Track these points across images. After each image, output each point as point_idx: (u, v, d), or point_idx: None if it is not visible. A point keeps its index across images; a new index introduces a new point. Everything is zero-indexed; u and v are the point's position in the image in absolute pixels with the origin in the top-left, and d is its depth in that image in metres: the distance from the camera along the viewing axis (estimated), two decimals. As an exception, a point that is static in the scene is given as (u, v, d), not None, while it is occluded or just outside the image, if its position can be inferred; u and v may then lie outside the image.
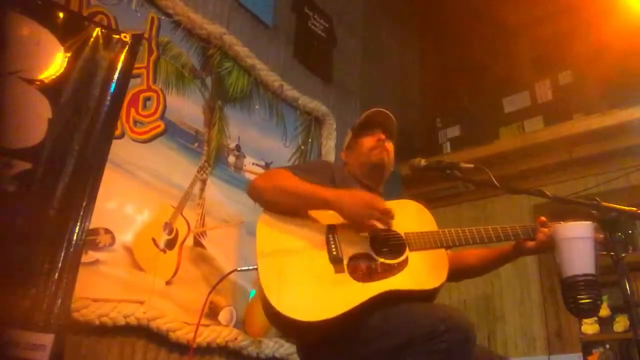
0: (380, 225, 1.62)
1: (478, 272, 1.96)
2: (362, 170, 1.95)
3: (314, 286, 1.54)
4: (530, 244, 1.75)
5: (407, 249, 1.66)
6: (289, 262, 1.58)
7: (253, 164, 3.00)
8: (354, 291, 1.53)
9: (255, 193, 1.71)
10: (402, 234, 1.69)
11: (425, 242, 1.69)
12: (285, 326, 1.55)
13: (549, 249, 1.68)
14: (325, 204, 1.64)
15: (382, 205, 1.63)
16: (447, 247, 1.75)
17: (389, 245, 1.67)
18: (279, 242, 1.61)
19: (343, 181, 1.85)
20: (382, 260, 1.62)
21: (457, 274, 1.90)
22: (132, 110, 2.44)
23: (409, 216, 1.77)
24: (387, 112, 1.97)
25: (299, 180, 1.68)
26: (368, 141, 1.95)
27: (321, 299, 1.51)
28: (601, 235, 1.50)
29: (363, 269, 1.59)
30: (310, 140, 3.42)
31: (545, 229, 1.71)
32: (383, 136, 1.94)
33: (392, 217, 1.64)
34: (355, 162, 1.98)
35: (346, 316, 1.49)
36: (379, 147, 1.93)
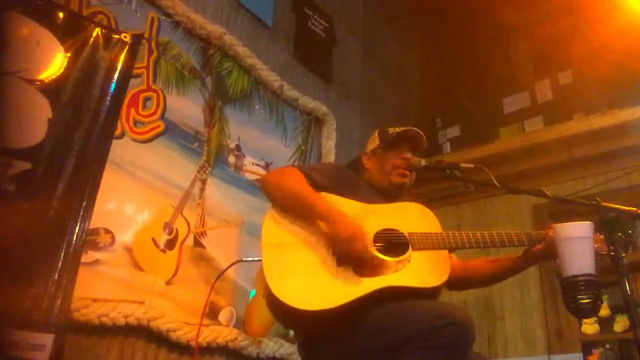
0: (347, 264, 1.60)
1: (487, 281, 1.96)
2: (379, 183, 1.94)
3: (315, 277, 1.56)
4: (539, 247, 1.76)
5: (410, 248, 1.67)
6: (293, 254, 1.60)
7: (253, 164, 3.00)
8: (355, 284, 1.56)
9: (265, 188, 1.76)
10: (406, 234, 1.70)
11: (428, 242, 1.70)
12: (285, 316, 1.57)
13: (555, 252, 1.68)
14: (319, 218, 1.64)
15: (360, 248, 1.59)
16: (450, 249, 1.76)
17: (392, 244, 1.68)
18: (283, 235, 1.64)
19: (354, 186, 1.85)
20: (384, 257, 1.63)
21: (465, 283, 1.92)
22: (132, 110, 2.44)
23: (413, 217, 1.78)
24: (422, 134, 1.94)
25: (307, 186, 1.69)
26: (394, 158, 1.91)
27: (322, 289, 1.54)
28: (601, 236, 1.50)
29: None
30: (310, 140, 3.42)
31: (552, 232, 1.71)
32: (409, 155, 1.91)
33: (365, 268, 1.61)
34: (374, 172, 1.96)
35: (346, 308, 1.50)
36: (402, 167, 1.90)
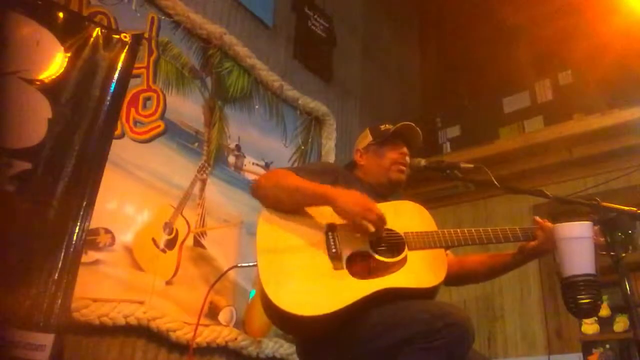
0: (372, 228, 1.59)
1: (482, 277, 1.96)
2: (376, 179, 1.93)
3: (312, 282, 1.55)
4: (533, 244, 1.76)
5: (406, 248, 1.66)
6: (289, 259, 1.58)
7: (253, 164, 3.00)
8: (352, 288, 1.54)
9: (257, 192, 1.72)
10: (402, 234, 1.69)
11: (424, 241, 1.69)
12: (283, 321, 1.56)
13: (552, 248, 1.68)
14: (322, 199, 1.63)
15: (377, 209, 1.61)
16: (446, 247, 1.75)
17: (388, 244, 1.67)
18: (279, 239, 1.62)
19: (347, 184, 1.84)
20: (380, 258, 1.62)
21: (460, 278, 1.91)
22: (132, 110, 2.44)
23: (408, 216, 1.78)
24: (417, 128, 1.94)
25: (298, 178, 1.68)
26: (391, 153, 1.92)
27: (319, 294, 1.52)
28: (602, 239, 1.50)
29: (362, 267, 1.60)
30: (310, 140, 3.42)
31: (545, 225, 1.71)
32: (406, 151, 1.92)
33: (384, 223, 1.62)
34: (371, 169, 1.95)
35: (344, 312, 1.50)
36: (400, 163, 1.90)
